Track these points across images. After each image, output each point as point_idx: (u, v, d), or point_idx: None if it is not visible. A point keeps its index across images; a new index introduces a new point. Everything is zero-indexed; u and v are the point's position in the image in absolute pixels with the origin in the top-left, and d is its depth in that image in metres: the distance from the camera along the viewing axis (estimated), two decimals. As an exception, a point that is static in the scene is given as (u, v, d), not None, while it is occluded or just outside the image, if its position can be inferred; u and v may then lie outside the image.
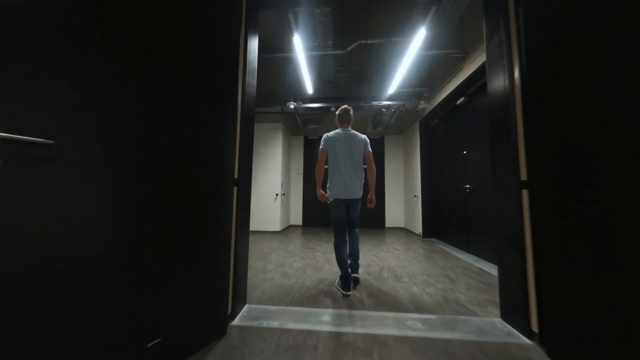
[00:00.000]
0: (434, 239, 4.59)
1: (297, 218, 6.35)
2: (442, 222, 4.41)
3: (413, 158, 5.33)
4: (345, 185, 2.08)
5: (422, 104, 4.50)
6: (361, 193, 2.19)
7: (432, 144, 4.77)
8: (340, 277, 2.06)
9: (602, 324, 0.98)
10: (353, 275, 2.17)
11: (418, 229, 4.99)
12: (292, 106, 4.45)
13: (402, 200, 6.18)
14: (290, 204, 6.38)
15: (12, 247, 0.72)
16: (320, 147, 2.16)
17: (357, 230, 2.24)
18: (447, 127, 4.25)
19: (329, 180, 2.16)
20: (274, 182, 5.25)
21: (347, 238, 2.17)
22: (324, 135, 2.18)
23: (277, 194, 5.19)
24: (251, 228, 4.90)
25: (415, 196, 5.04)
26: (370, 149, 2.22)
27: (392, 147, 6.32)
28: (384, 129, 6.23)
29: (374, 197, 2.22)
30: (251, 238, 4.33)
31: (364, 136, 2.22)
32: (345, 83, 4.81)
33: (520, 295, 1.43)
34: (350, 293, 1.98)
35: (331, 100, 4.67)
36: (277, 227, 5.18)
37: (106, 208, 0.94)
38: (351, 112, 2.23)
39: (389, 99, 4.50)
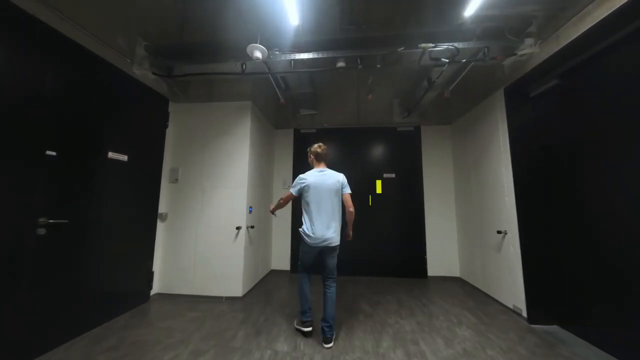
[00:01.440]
0: (554, 328, 2.16)
1: (282, 260, 3.96)
2: (573, 289, 2.01)
3: (486, 161, 2.97)
4: (319, 232, 1.94)
5: (528, 48, 2.18)
6: (338, 239, 1.99)
7: (537, 132, 2.41)
8: (300, 311, 2.07)
9: None
10: (326, 346, 1.88)
11: (507, 295, 2.56)
12: (258, 55, 2.15)
13: (454, 234, 3.77)
14: (273, 238, 4.01)
15: None
16: (290, 190, 2.07)
17: (333, 284, 2.02)
18: (589, 94, 1.91)
19: (303, 219, 2.04)
20: (233, 206, 2.90)
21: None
22: (298, 178, 2.05)
23: (238, 228, 2.82)
24: (192, 291, 2.56)
25: (501, 232, 2.63)
26: (349, 190, 2.05)
27: (434, 145, 3.96)
28: (421, 116, 3.90)
29: (351, 233, 2.16)
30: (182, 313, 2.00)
31: (341, 176, 2.07)
32: (361, 11, 2.46)
33: None
34: (311, 329, 2.01)
35: (336, 46, 2.38)
36: (239, 290, 2.79)
37: None
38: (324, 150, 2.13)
39: (453, 39, 2.20)
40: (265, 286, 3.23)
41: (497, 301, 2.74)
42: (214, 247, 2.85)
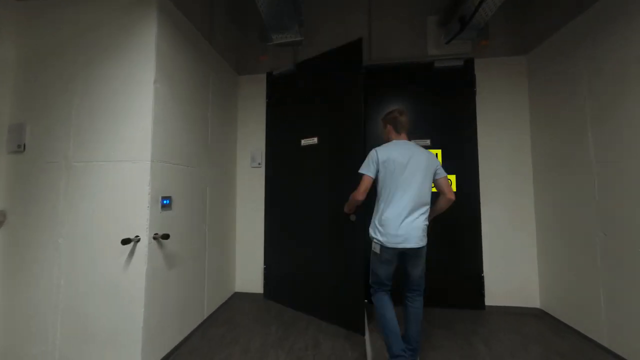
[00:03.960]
0: None
1: (252, 276, 2.56)
2: None
3: (623, 113, 1.40)
4: (402, 226, 1.39)
5: None
6: (426, 238, 1.44)
7: None
8: (390, 356, 1.38)
9: None
10: None
11: None
12: None
13: (531, 240, 2.25)
14: (237, 246, 2.60)
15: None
16: (363, 171, 1.49)
17: (419, 297, 1.48)
18: None
19: (375, 213, 1.50)
20: (125, 197, 1.46)
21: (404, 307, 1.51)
22: (372, 152, 1.49)
23: (125, 242, 1.38)
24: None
25: None
26: (445, 173, 1.51)
27: (498, 91, 2.37)
28: (476, 41, 2.31)
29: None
30: None
31: (432, 154, 1.53)
32: None
33: None
34: None
35: None
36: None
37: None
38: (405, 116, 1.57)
39: None
40: (215, 331, 1.86)
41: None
42: (90, 276, 1.45)
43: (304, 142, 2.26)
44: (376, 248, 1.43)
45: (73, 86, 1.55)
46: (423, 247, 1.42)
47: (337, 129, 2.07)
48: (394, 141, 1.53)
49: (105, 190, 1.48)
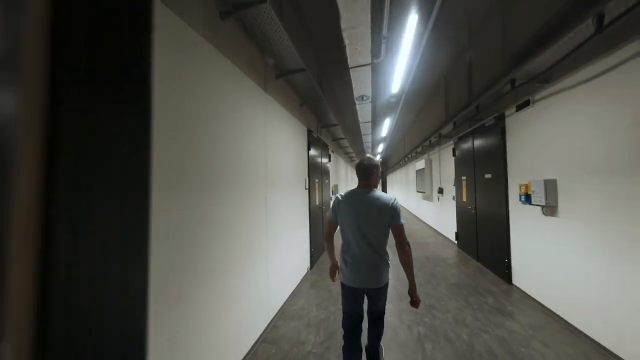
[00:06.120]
0: None
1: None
2: None
3: None
4: (359, 270, 1.46)
5: None
6: (387, 278, 1.51)
7: None
8: None
9: None
10: None
11: None
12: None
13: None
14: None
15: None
16: (328, 215, 1.63)
17: (382, 325, 1.63)
18: None
19: (341, 251, 1.55)
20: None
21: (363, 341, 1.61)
22: (335, 197, 1.57)
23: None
24: None
25: None
26: (402, 221, 1.45)
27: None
28: None
29: (416, 292, 1.47)
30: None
31: (391, 200, 1.46)
32: None
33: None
34: None
35: None
36: None
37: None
38: (375, 163, 1.54)
39: None
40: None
41: None
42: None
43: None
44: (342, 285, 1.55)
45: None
46: (384, 286, 1.50)
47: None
48: (355, 188, 1.57)
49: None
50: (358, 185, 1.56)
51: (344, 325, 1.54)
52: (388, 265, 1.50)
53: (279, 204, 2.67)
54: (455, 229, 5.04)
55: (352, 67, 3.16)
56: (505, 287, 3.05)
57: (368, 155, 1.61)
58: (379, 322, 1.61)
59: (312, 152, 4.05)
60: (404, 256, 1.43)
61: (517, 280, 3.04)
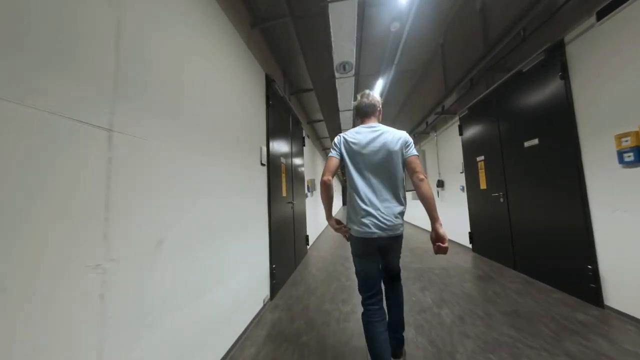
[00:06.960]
0: None
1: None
2: None
3: None
4: (374, 214, 1.24)
5: None
6: (402, 226, 1.28)
7: None
8: None
9: None
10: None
11: None
12: None
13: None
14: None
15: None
16: (330, 153, 1.37)
17: (400, 286, 1.44)
18: None
19: (348, 205, 1.34)
20: None
21: (385, 301, 1.38)
22: (337, 137, 1.40)
23: None
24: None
25: None
26: (415, 152, 1.32)
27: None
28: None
29: (440, 230, 1.21)
30: None
31: (402, 133, 1.34)
32: None
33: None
34: None
35: None
36: None
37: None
38: (377, 99, 1.42)
39: None
40: None
41: None
42: None
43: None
44: (355, 244, 1.32)
45: None
46: (401, 234, 1.28)
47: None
48: (358, 127, 1.40)
49: None
50: (360, 125, 1.40)
51: (361, 289, 1.29)
52: (403, 211, 1.28)
53: (187, 174, 1.22)
54: (468, 229, 3.87)
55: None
56: (595, 313, 1.82)
57: (366, 90, 1.44)
58: (397, 283, 1.42)
59: (275, 114, 2.68)
60: (424, 186, 1.23)
61: (612, 298, 1.83)
